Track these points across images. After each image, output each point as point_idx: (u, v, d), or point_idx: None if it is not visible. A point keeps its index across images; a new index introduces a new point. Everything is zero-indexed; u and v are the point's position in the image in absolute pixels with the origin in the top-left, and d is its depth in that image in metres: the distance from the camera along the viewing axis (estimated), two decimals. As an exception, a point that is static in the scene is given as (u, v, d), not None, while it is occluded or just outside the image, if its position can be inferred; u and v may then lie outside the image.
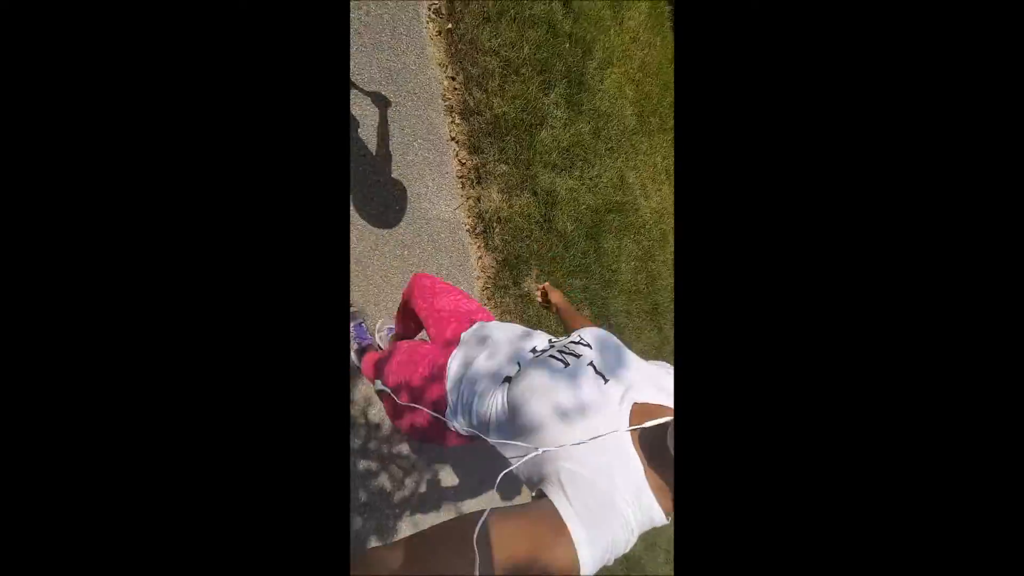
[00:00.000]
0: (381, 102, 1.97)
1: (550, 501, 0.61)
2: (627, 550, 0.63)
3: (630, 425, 0.70)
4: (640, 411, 0.73)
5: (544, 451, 0.69)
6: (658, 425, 0.69)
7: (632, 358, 0.86)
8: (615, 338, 0.91)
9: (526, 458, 0.70)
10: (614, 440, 0.68)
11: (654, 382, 0.80)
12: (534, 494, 0.67)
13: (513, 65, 2.28)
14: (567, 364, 0.81)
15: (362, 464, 1.77)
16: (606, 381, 0.78)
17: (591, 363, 0.81)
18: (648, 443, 0.68)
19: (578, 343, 0.86)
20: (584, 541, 0.57)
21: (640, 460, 0.67)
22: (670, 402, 0.78)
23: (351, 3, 1.89)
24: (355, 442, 1.76)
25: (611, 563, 0.61)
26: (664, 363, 0.91)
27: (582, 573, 0.56)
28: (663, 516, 0.66)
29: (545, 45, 2.41)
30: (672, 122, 3.00)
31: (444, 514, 1.92)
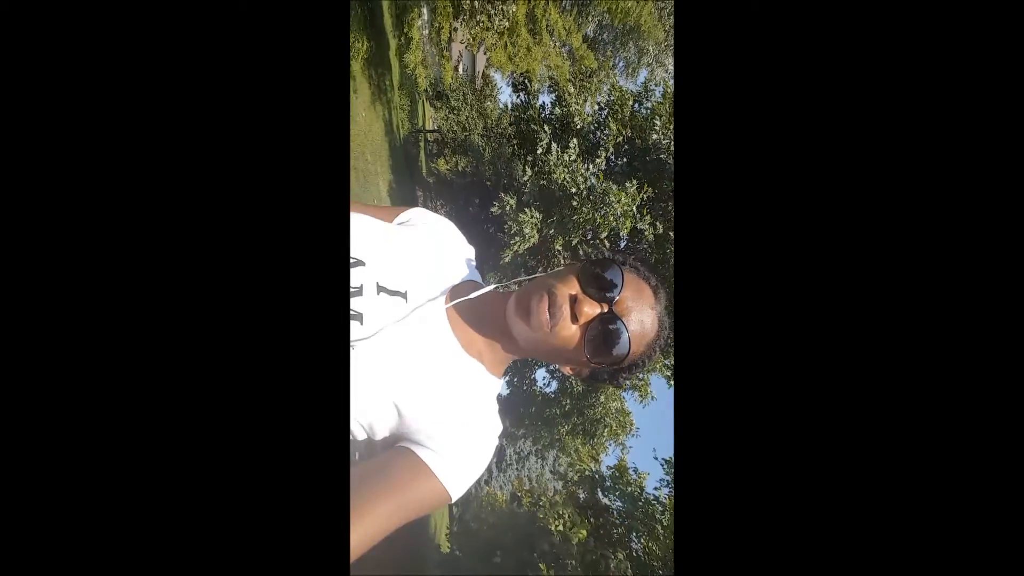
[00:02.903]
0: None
1: (403, 446, 0.61)
2: (495, 439, 0.64)
3: (449, 323, 0.65)
4: (453, 292, 0.67)
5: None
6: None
7: (421, 237, 0.71)
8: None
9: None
10: (434, 352, 0.63)
11: (455, 258, 0.72)
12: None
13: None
14: (360, 317, 0.60)
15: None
16: (406, 297, 0.63)
17: (378, 285, 0.61)
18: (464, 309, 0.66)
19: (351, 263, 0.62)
20: (444, 467, 0.58)
21: (462, 346, 0.64)
22: (469, 273, 0.72)
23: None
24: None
25: (487, 461, 0.62)
26: (421, 211, 0.77)
27: (453, 497, 0.59)
28: (494, 378, 0.67)
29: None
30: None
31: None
